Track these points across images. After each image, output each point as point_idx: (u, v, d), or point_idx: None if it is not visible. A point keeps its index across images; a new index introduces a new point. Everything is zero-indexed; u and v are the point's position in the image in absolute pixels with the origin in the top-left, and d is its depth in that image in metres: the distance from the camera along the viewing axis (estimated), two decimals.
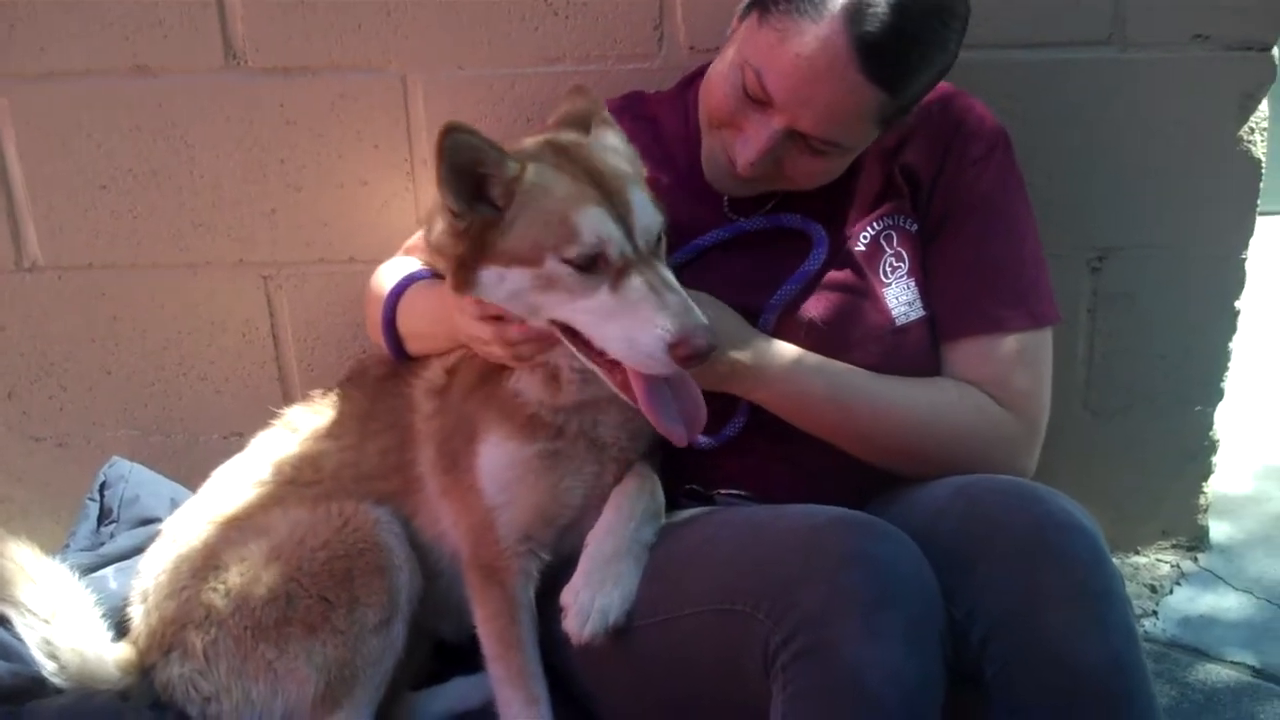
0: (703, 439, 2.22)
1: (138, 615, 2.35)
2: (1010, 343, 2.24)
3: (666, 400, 1.92)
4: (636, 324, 1.85)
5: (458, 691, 2.40)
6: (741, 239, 2.28)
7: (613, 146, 2.09)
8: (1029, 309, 2.26)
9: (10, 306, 2.96)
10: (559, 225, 1.88)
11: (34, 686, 2.27)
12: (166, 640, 2.25)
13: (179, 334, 2.98)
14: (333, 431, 2.39)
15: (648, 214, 1.93)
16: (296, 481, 2.35)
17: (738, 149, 2.12)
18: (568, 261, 1.88)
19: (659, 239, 1.96)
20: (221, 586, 2.22)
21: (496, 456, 2.14)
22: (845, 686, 1.68)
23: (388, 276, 2.41)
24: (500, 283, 1.96)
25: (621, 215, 1.90)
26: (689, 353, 1.80)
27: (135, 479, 2.84)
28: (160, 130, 2.80)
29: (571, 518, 2.19)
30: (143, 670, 2.29)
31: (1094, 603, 1.78)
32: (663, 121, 2.44)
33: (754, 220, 2.27)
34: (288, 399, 3.01)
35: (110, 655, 2.30)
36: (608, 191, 1.92)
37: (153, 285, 2.94)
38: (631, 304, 1.86)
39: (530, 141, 2.05)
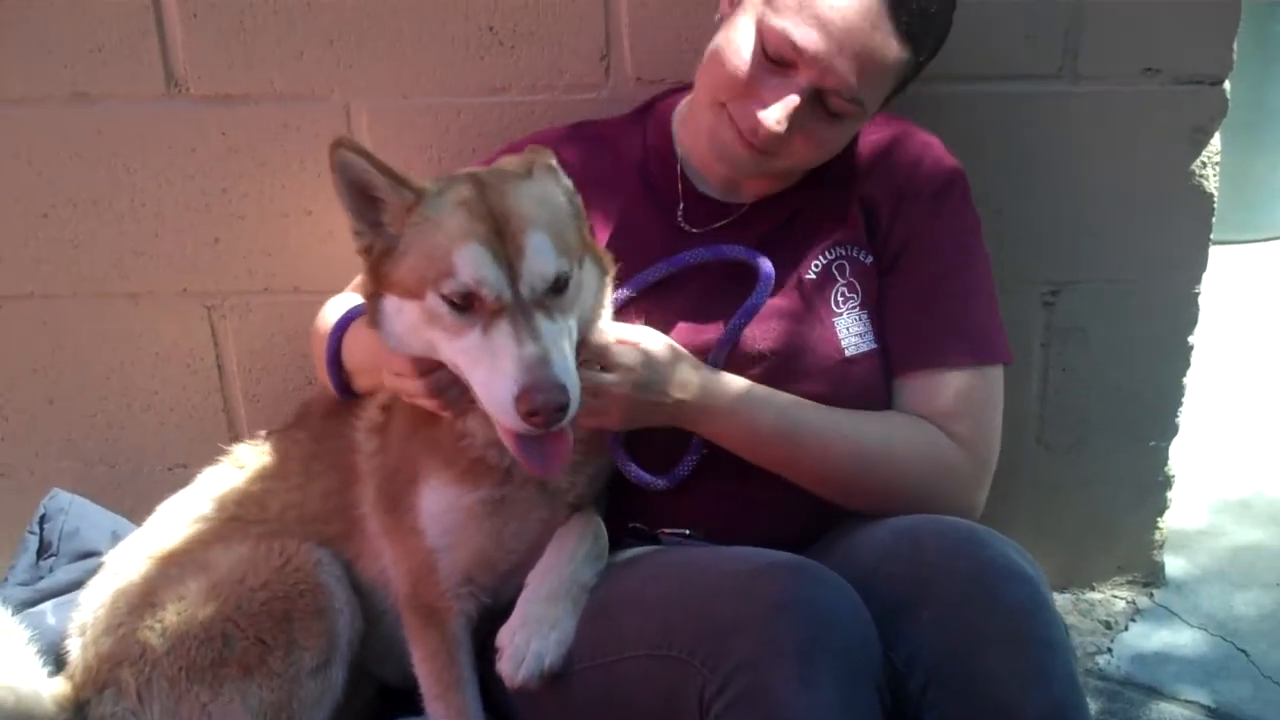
0: (657, 480, 2.20)
1: (75, 649, 2.31)
2: (960, 379, 2.24)
3: (529, 441, 1.87)
4: (494, 372, 1.80)
5: None
6: (687, 271, 2.25)
7: (539, 193, 1.96)
8: (980, 347, 2.26)
9: None
10: (440, 259, 1.83)
11: None
12: (101, 677, 2.21)
13: (122, 364, 2.95)
14: (278, 472, 2.36)
15: (539, 261, 1.82)
16: (241, 519, 2.32)
17: (759, 116, 2.08)
18: (444, 298, 1.83)
19: (552, 288, 1.85)
20: (158, 625, 2.18)
21: (438, 501, 2.12)
22: None
23: (333, 312, 2.38)
24: (397, 314, 1.94)
25: (508, 258, 1.81)
26: (530, 409, 1.74)
27: (76, 511, 2.80)
28: (101, 158, 2.77)
29: (516, 562, 2.16)
30: (78, 706, 2.25)
31: (1036, 651, 1.77)
32: (616, 143, 2.42)
33: (696, 253, 2.25)
34: (233, 430, 2.99)
35: (46, 691, 2.27)
36: (502, 232, 1.83)
37: (95, 315, 2.90)
38: (493, 350, 1.80)
39: (460, 172, 2.01)
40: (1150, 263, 2.83)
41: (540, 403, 1.74)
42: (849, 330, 2.24)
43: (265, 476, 2.37)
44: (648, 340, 2.09)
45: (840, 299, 2.25)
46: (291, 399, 2.90)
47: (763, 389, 2.15)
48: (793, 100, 2.06)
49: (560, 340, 1.82)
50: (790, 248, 2.28)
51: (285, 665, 2.16)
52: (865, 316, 2.26)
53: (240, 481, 2.38)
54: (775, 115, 2.07)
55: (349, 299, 2.42)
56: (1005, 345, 2.30)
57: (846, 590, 1.81)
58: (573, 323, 1.89)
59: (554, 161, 2.03)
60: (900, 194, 2.28)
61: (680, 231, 2.32)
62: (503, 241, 1.81)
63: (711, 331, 2.22)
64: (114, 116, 2.74)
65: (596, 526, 2.19)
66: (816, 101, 2.08)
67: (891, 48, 2.05)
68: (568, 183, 2.04)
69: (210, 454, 2.61)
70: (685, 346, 2.16)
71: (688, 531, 2.25)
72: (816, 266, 2.26)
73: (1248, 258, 5.74)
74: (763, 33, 2.07)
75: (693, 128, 2.30)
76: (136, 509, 2.74)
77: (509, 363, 1.77)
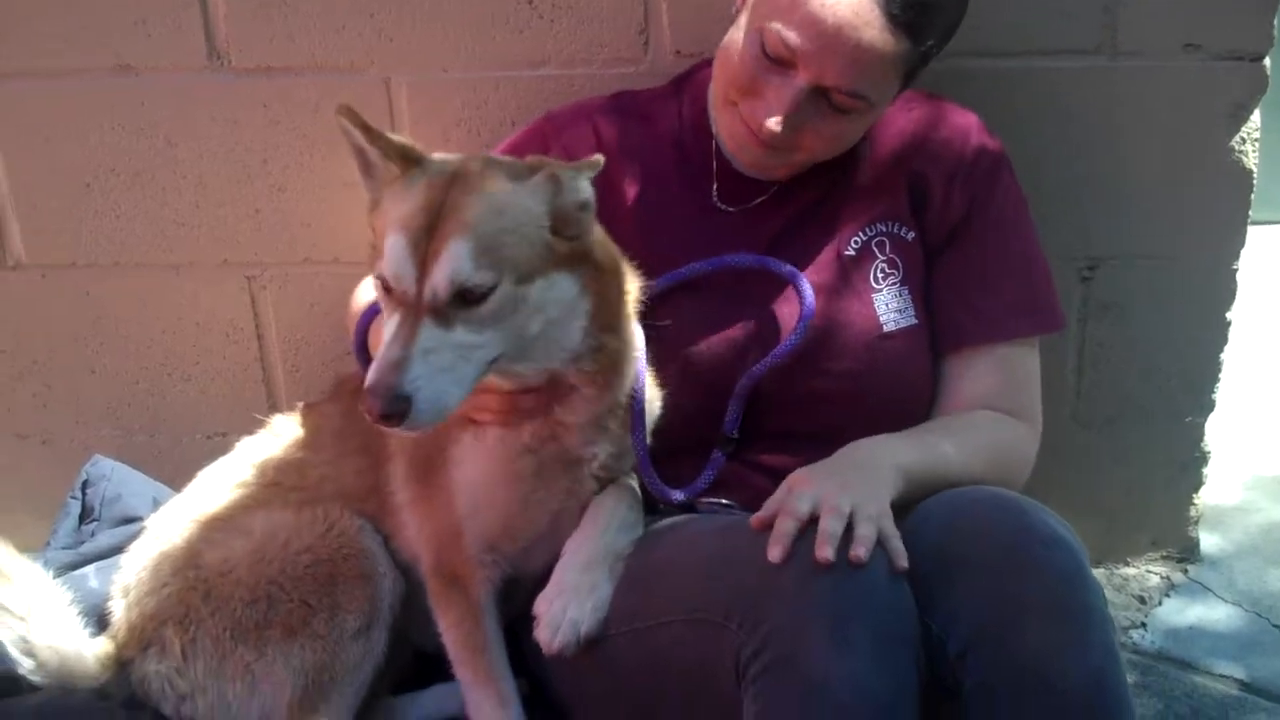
0: (675, 493, 2.22)
1: (118, 610, 2.34)
2: (1020, 352, 2.30)
3: None
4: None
5: (436, 697, 2.39)
6: (726, 271, 2.26)
7: (502, 201, 1.86)
8: (1040, 318, 2.33)
9: None
10: (381, 239, 1.84)
11: (9, 684, 2.27)
12: (145, 636, 2.25)
13: (163, 334, 2.98)
14: (312, 444, 2.39)
15: (449, 268, 1.76)
16: (281, 485, 2.35)
17: (760, 115, 2.11)
18: (376, 276, 1.85)
19: (459, 298, 1.78)
20: (202, 586, 2.22)
21: (467, 469, 2.12)
22: (814, 699, 1.67)
23: (365, 294, 2.39)
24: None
25: (424, 256, 1.78)
26: (366, 407, 1.74)
27: (117, 478, 2.84)
28: (143, 130, 2.79)
29: (539, 532, 2.18)
30: (120, 665, 2.29)
31: (1075, 619, 1.76)
32: (654, 118, 2.43)
33: (742, 258, 2.25)
34: (272, 400, 3.02)
35: (89, 651, 2.31)
36: (431, 230, 1.79)
37: (136, 285, 2.93)
38: (383, 340, 1.81)
39: (472, 156, 2.00)
40: (1189, 239, 2.82)
41: (368, 405, 1.73)
42: (888, 306, 2.26)
43: (301, 447, 2.40)
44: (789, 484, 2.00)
45: (880, 275, 2.27)
46: (330, 369, 2.94)
47: (906, 460, 2.08)
48: (786, 102, 2.08)
49: (443, 352, 1.78)
50: (828, 223, 2.29)
51: (329, 628, 2.19)
52: (906, 292, 2.28)
53: (279, 450, 2.41)
54: (776, 116, 2.09)
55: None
56: (1060, 310, 2.38)
57: (882, 555, 1.81)
58: (490, 336, 1.83)
59: (571, 175, 1.90)
60: (952, 172, 2.29)
61: (715, 210, 2.33)
62: (428, 239, 1.79)
63: (738, 331, 2.24)
64: (156, 88, 2.76)
65: (631, 496, 2.20)
66: (820, 98, 2.09)
67: (887, 42, 2.04)
68: (581, 194, 1.92)
69: (249, 423, 2.63)
70: (715, 349, 2.21)
71: (725, 501, 2.27)
72: (856, 243, 2.28)
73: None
74: (761, 33, 2.08)
75: (716, 120, 2.31)
76: (176, 477, 2.77)
77: (377, 359, 1.77)
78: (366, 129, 1.91)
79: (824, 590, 1.73)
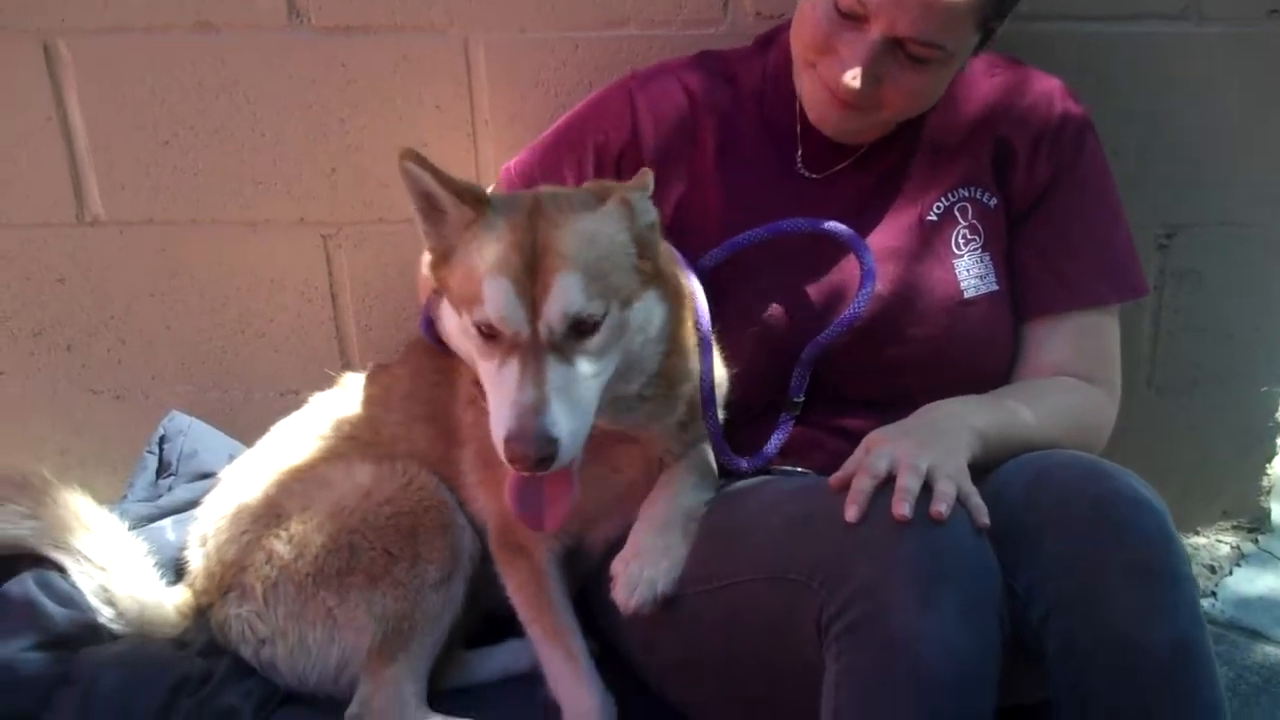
0: (742, 461, 2.23)
1: (195, 559, 2.40)
2: (1102, 319, 2.31)
3: (525, 489, 1.89)
4: (497, 408, 1.81)
5: (512, 651, 2.41)
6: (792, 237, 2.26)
7: (590, 229, 1.88)
8: (1124, 285, 2.33)
9: (72, 260, 2.97)
10: (475, 285, 1.84)
11: (89, 633, 2.32)
12: (225, 582, 2.30)
13: (238, 291, 2.99)
14: (384, 403, 2.43)
15: (562, 302, 1.78)
16: (356, 439, 2.39)
17: (837, 72, 2.10)
18: (475, 323, 1.85)
19: (574, 330, 1.81)
20: (284, 533, 2.27)
21: None
22: (898, 659, 1.67)
23: None
24: (449, 317, 2.02)
25: (534, 295, 1.79)
26: (511, 457, 1.75)
27: (194, 433, 2.88)
28: (222, 87, 2.79)
29: (600, 510, 2.21)
30: (198, 612, 2.35)
31: (1160, 582, 1.76)
32: (739, 79, 2.41)
33: (795, 223, 2.24)
34: (345, 358, 3.05)
35: (168, 600, 2.37)
36: (534, 268, 1.80)
37: (213, 242, 2.94)
38: (500, 386, 1.81)
39: (536, 190, 2.01)
40: (1267, 206, 2.81)
41: (520, 453, 1.74)
42: (969, 272, 2.26)
43: (373, 404, 2.44)
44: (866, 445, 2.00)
45: (961, 240, 2.26)
46: (403, 328, 2.95)
47: (982, 421, 2.09)
48: (861, 57, 2.06)
49: (571, 387, 1.80)
50: (910, 188, 2.29)
51: (410, 576, 2.23)
52: (988, 258, 2.27)
53: (353, 406, 2.45)
54: (853, 71, 2.07)
55: None
56: (1144, 277, 2.37)
57: (964, 515, 1.81)
58: (604, 364, 1.86)
59: (639, 195, 1.94)
60: (1038, 137, 2.28)
61: (798, 176, 2.33)
62: (532, 278, 1.80)
63: (805, 296, 2.25)
64: (236, 46, 2.76)
65: (703, 462, 2.21)
66: (896, 50, 2.07)
67: None
68: (649, 215, 1.96)
69: (321, 381, 2.67)
70: (782, 316, 2.23)
71: (799, 468, 2.27)
72: (938, 208, 2.27)
73: None
74: None
75: (799, 85, 2.29)
76: (248, 433, 2.81)
77: (506, 404, 1.77)
78: (436, 173, 1.91)
79: (910, 550, 1.73)
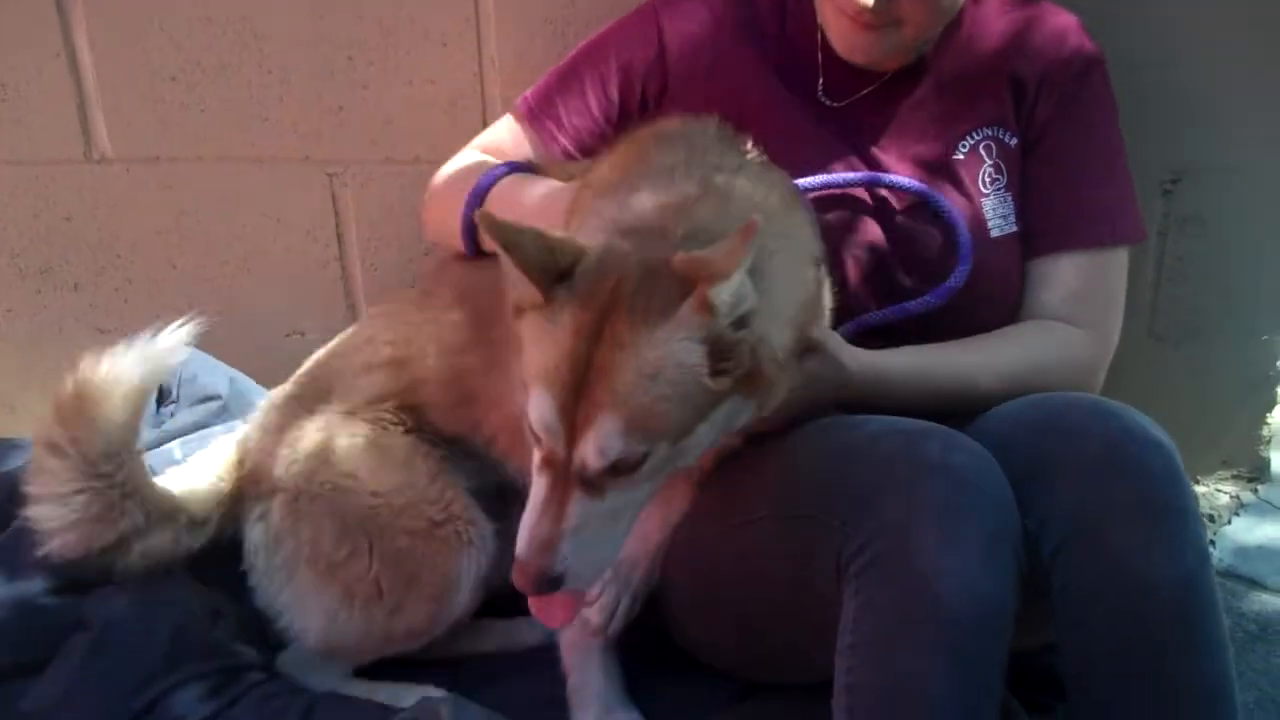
0: None
1: (235, 452, 2.42)
2: (1095, 259, 2.28)
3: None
4: (523, 517, 1.70)
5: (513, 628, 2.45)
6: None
7: (656, 356, 1.61)
8: (1118, 226, 2.29)
9: (79, 198, 2.98)
10: (528, 378, 1.70)
11: (104, 572, 2.32)
12: (262, 490, 2.30)
13: (244, 230, 3.00)
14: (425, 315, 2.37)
15: (598, 444, 1.61)
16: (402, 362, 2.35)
17: None
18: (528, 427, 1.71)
19: (614, 469, 1.63)
20: (319, 488, 2.24)
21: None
22: (918, 595, 1.68)
23: (464, 171, 2.38)
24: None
25: (574, 421, 1.62)
26: (517, 581, 1.66)
27: (193, 359, 2.85)
28: (229, 23, 2.79)
29: None
30: (231, 503, 2.36)
31: (1168, 519, 1.76)
32: (759, 3, 2.40)
33: (896, 179, 2.23)
34: (350, 298, 3.06)
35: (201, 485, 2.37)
36: (581, 390, 1.62)
37: (219, 179, 2.94)
38: (531, 494, 1.70)
39: (621, 270, 1.67)
40: (1272, 152, 2.80)
41: (522, 584, 1.66)
42: (994, 212, 2.26)
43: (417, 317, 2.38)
44: (823, 346, 1.99)
45: (988, 180, 2.26)
46: (409, 268, 2.98)
47: (910, 354, 2.14)
48: None
49: (594, 521, 1.67)
50: (934, 125, 2.29)
51: (386, 621, 2.23)
52: (1010, 198, 2.27)
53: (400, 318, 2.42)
54: None
55: (474, 160, 2.43)
56: (1140, 224, 2.34)
57: (985, 455, 1.81)
58: (644, 490, 1.71)
59: (727, 292, 1.60)
60: (1045, 73, 2.27)
61: (820, 105, 2.32)
62: (577, 401, 1.62)
63: (898, 289, 2.23)
64: None
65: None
66: None
67: None
68: (739, 308, 1.63)
69: (328, 321, 2.68)
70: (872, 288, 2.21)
71: None
72: (964, 146, 2.27)
73: None
74: None
75: (820, 12, 2.27)
76: (254, 373, 2.83)
77: (526, 524, 1.68)
78: (510, 243, 1.66)
79: (934, 488, 1.74)
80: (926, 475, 1.75)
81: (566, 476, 1.64)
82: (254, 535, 2.28)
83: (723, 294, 1.58)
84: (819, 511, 1.82)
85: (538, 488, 1.67)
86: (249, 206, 2.98)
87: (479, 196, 2.26)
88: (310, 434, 2.28)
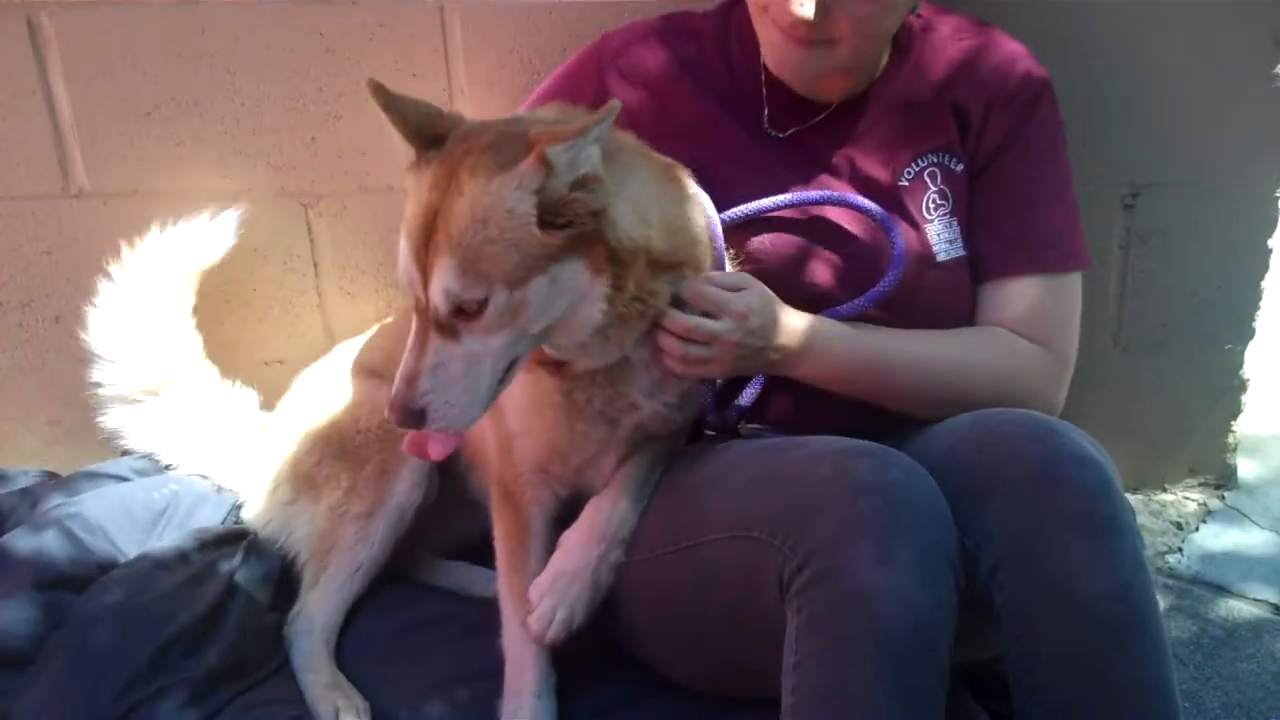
0: (720, 414, 2.28)
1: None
2: (1043, 284, 2.29)
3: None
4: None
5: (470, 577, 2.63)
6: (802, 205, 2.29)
7: (487, 203, 1.81)
8: (1064, 252, 2.31)
9: (58, 232, 3.01)
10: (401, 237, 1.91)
11: (95, 574, 2.42)
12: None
13: (221, 261, 2.99)
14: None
15: (440, 285, 1.81)
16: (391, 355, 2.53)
17: (787, 6, 2.10)
18: None
19: (458, 311, 1.82)
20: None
21: (519, 380, 2.15)
22: (855, 612, 1.73)
23: None
24: None
25: (424, 268, 1.83)
26: (391, 418, 1.86)
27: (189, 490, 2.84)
28: (202, 58, 2.83)
29: (586, 459, 2.24)
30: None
31: (1102, 533, 1.81)
32: (705, 40, 2.44)
33: (826, 194, 2.27)
34: (327, 326, 3.10)
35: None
36: (428, 236, 1.83)
37: (196, 213, 2.93)
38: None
39: (484, 130, 1.93)
40: (1232, 166, 2.85)
41: (394, 419, 1.85)
42: (939, 236, 2.28)
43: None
44: (753, 288, 2.10)
45: (931, 206, 2.29)
46: (385, 295, 3.03)
47: (852, 326, 2.20)
48: None
49: (451, 363, 1.84)
50: (879, 153, 2.31)
51: (339, 502, 2.47)
52: (955, 224, 2.30)
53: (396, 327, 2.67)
54: (797, 7, 2.09)
55: None
56: (1085, 250, 2.35)
57: (922, 475, 1.86)
58: (497, 341, 1.86)
59: (562, 150, 1.80)
60: (991, 101, 2.30)
61: (766, 136, 2.35)
62: (427, 249, 1.83)
63: (819, 283, 2.27)
64: (216, 16, 2.80)
65: (649, 468, 2.24)
66: None
67: None
68: (581, 165, 1.83)
69: (307, 348, 2.71)
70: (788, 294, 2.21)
71: (767, 427, 2.31)
72: (909, 173, 2.30)
73: None
74: None
75: (759, 36, 2.30)
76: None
77: (398, 369, 1.87)
78: (390, 106, 1.93)
79: (868, 507, 1.79)
80: (861, 494, 1.81)
81: (424, 321, 1.85)
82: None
83: (560, 153, 1.79)
84: (762, 532, 1.88)
85: (410, 334, 1.87)
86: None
87: None
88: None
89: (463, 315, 1.82)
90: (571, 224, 1.84)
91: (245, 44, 2.82)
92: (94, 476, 2.75)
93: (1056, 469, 1.85)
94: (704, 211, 2.17)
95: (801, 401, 2.27)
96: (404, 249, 1.86)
